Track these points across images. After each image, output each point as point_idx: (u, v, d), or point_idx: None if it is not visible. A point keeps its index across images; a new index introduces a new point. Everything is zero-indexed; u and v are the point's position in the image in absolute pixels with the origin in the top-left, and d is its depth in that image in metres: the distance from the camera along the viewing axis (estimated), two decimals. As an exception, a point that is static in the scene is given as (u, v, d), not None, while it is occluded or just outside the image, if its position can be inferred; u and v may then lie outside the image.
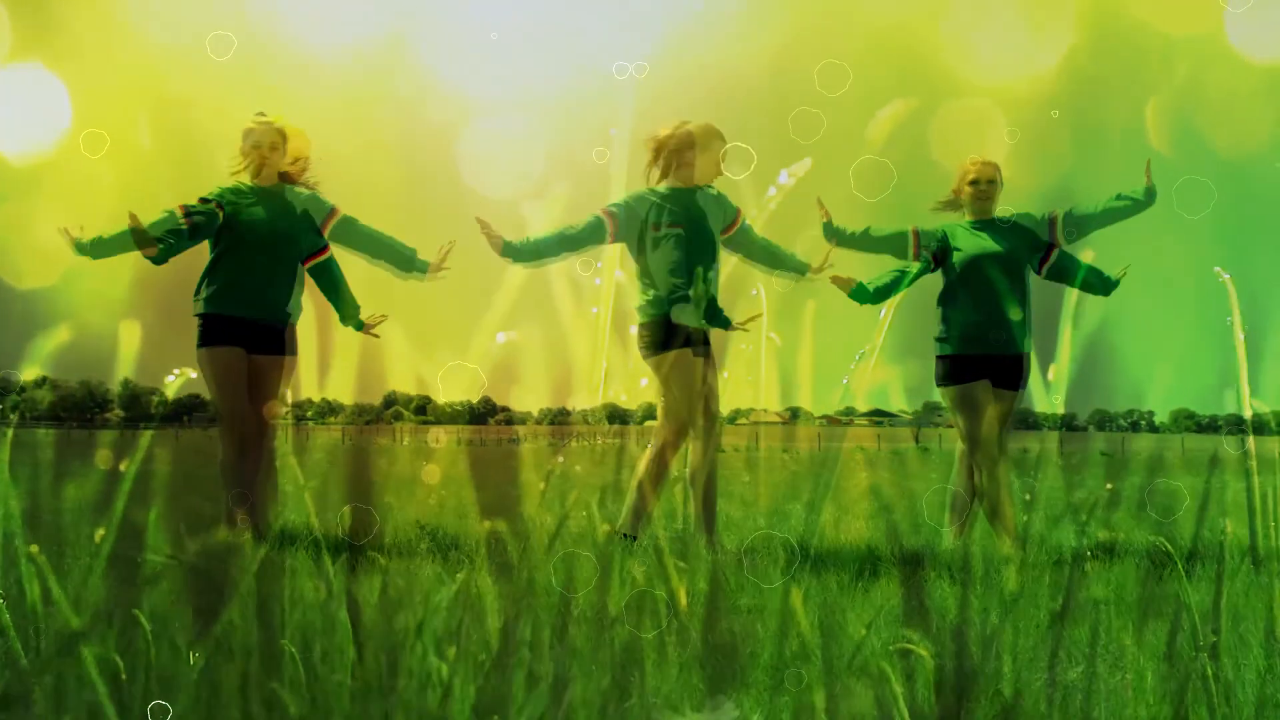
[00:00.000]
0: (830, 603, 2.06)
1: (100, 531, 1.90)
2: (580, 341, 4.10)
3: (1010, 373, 4.42)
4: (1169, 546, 1.80)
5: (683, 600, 1.82)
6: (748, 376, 4.44)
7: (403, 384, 4.57)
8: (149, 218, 4.21)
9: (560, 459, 1.90)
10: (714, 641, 1.76)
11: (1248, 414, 3.69)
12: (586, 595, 1.78)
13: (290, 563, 1.85)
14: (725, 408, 4.39)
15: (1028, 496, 3.43)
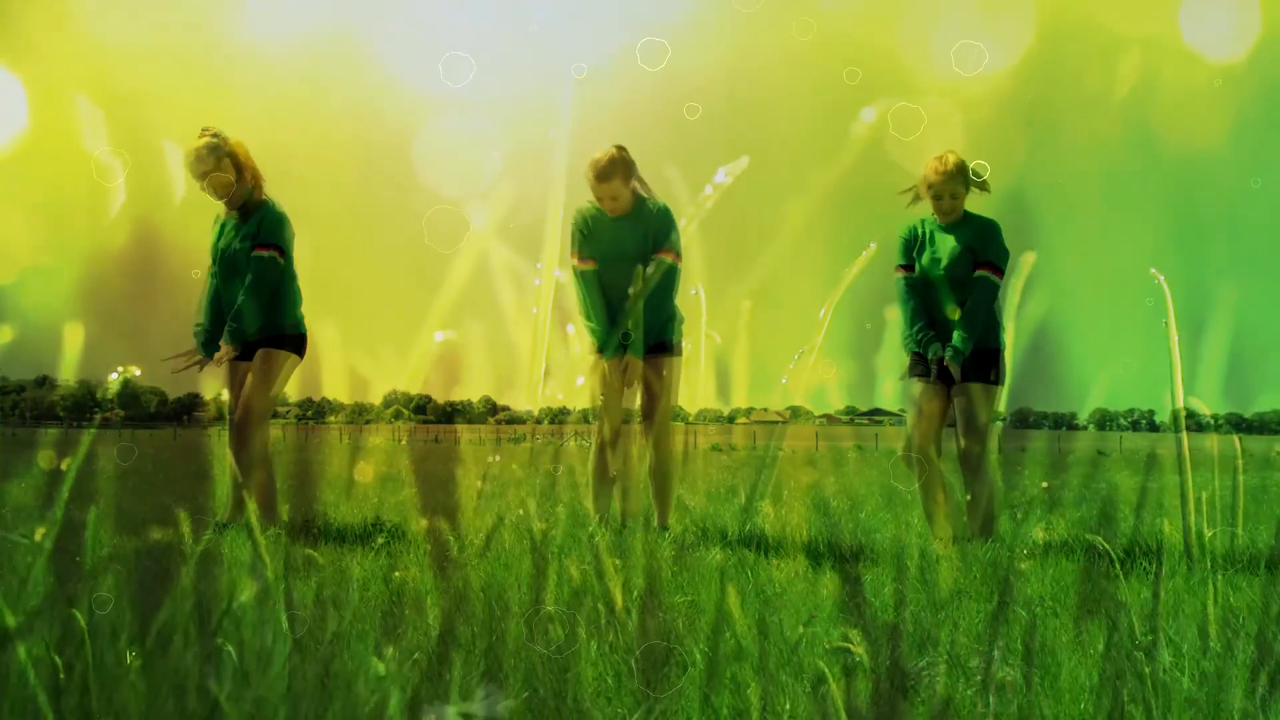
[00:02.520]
0: (768, 600, 2.06)
1: (41, 530, 1.90)
2: (522, 340, 4.16)
3: (977, 366, 4.34)
4: (1106, 546, 1.80)
5: (619, 599, 1.82)
6: (686, 374, 4.51)
7: (337, 380, 4.63)
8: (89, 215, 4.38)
9: (497, 458, 1.90)
10: (648, 640, 1.76)
11: (1181, 412, 3.71)
12: (523, 594, 1.78)
13: (228, 559, 1.85)
14: (691, 407, 4.59)
15: (968, 496, 3.43)
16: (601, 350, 4.53)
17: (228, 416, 4.54)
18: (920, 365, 4.46)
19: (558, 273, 4.42)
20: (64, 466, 2.02)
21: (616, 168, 4.54)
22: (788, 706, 1.82)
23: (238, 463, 4.40)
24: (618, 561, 1.87)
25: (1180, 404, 3.49)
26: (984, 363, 4.38)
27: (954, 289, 4.38)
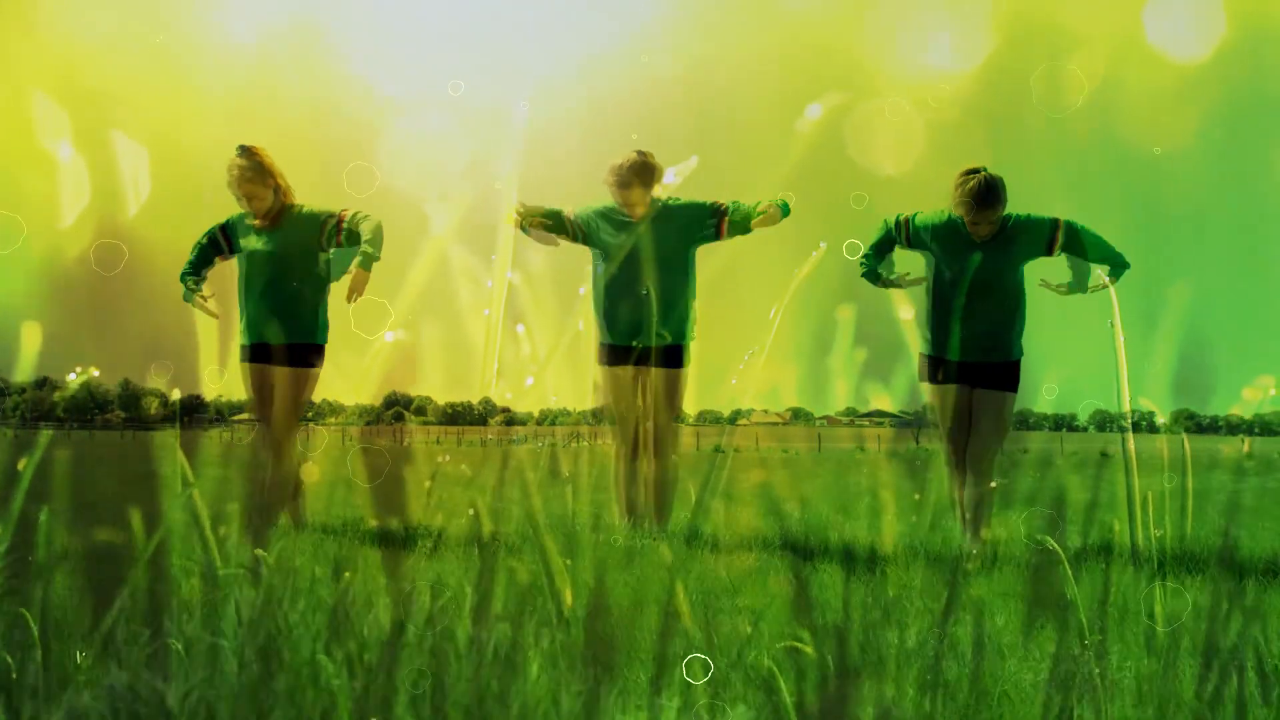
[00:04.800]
0: (715, 599, 2.07)
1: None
2: (477, 341, 4.20)
3: (997, 375, 4.32)
4: (1054, 545, 1.80)
5: (568, 599, 1.83)
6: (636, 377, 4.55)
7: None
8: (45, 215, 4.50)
9: (447, 457, 1.91)
10: (595, 639, 1.77)
11: (1127, 413, 3.73)
12: (470, 594, 1.78)
13: (179, 560, 1.86)
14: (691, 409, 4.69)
15: (917, 496, 3.45)
16: (610, 361, 4.56)
17: (244, 421, 4.65)
18: (942, 369, 4.37)
19: (510, 274, 4.44)
20: (20, 467, 2.03)
21: (637, 174, 4.53)
22: (737, 705, 1.82)
23: (270, 471, 4.48)
24: (568, 561, 1.87)
25: (1127, 405, 3.50)
26: (1009, 372, 4.34)
27: (985, 294, 4.29)
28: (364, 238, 4.53)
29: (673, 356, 4.58)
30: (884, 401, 4.41)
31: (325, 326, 4.69)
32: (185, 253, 4.75)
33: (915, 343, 4.36)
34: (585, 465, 3.75)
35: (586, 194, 4.68)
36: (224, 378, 4.56)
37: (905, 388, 4.43)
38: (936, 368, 4.37)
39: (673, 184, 4.27)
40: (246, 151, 4.60)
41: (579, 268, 4.62)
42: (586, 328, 4.45)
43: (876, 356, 4.57)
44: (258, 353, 4.62)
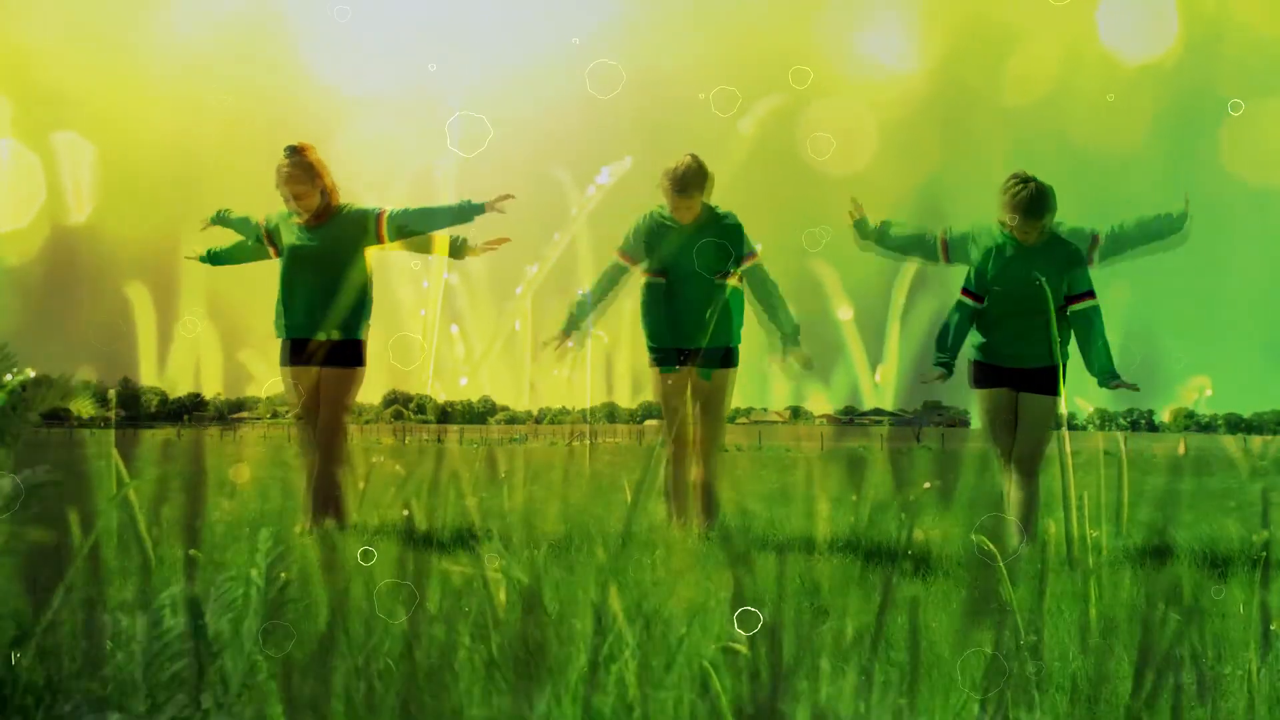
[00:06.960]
0: (650, 598, 2.07)
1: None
2: (414, 341, 4.23)
3: (1040, 380, 4.39)
4: (990, 546, 1.80)
5: (501, 599, 1.82)
6: (570, 374, 4.59)
7: (214, 375, 4.69)
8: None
9: (381, 458, 1.91)
10: (527, 642, 1.76)
11: (1063, 411, 3.75)
12: (402, 595, 1.78)
13: (118, 560, 1.86)
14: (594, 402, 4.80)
15: (854, 497, 3.45)
16: (661, 364, 4.60)
17: (289, 419, 4.65)
18: (988, 374, 4.46)
19: (447, 275, 4.47)
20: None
21: (695, 180, 4.54)
22: (671, 707, 1.82)
23: (320, 470, 4.43)
24: (502, 562, 1.87)
25: (1063, 406, 3.51)
26: (1052, 376, 4.39)
27: (1021, 314, 4.36)
28: (433, 206, 4.59)
29: (721, 358, 4.63)
30: (822, 401, 4.46)
31: (369, 325, 4.66)
32: (133, 251, 4.78)
33: (854, 343, 4.41)
34: (521, 464, 3.74)
35: (534, 192, 4.72)
36: (164, 374, 4.53)
37: (845, 387, 4.47)
38: (983, 373, 4.48)
39: (604, 184, 4.29)
40: (294, 151, 4.58)
41: (516, 268, 4.65)
42: (524, 328, 4.49)
43: (816, 356, 4.62)
44: (300, 351, 4.59)
